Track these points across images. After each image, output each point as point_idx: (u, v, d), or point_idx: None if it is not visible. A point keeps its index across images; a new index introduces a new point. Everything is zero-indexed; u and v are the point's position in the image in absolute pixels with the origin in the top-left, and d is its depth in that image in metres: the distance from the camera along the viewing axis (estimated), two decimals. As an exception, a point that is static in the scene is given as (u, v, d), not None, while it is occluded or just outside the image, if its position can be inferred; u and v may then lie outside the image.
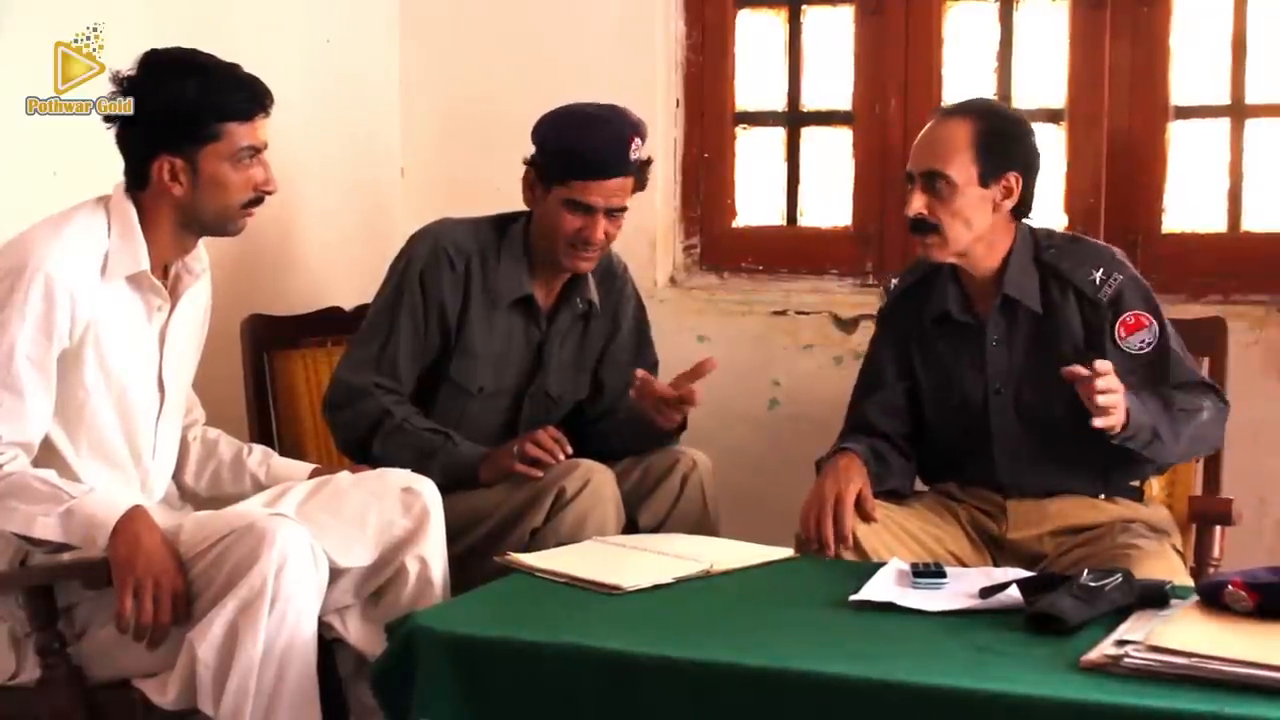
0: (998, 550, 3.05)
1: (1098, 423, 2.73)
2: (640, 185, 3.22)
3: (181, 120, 2.68)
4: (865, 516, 2.92)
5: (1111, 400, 2.72)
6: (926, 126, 3.04)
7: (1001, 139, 2.97)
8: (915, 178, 2.98)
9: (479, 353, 3.22)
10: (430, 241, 3.23)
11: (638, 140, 3.14)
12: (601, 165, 3.11)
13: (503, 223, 3.28)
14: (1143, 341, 2.94)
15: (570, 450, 3.06)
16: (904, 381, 3.15)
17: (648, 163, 3.20)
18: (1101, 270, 2.97)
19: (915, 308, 3.13)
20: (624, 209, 3.18)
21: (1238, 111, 3.64)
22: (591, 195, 3.12)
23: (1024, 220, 3.04)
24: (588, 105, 3.20)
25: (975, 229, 2.96)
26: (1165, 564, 2.82)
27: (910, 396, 3.14)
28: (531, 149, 3.20)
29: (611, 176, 3.12)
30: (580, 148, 3.11)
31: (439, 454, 3.09)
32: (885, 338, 3.20)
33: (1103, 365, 2.71)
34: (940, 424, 3.12)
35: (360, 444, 3.16)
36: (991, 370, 3.03)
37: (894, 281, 3.21)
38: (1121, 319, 2.94)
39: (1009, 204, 2.98)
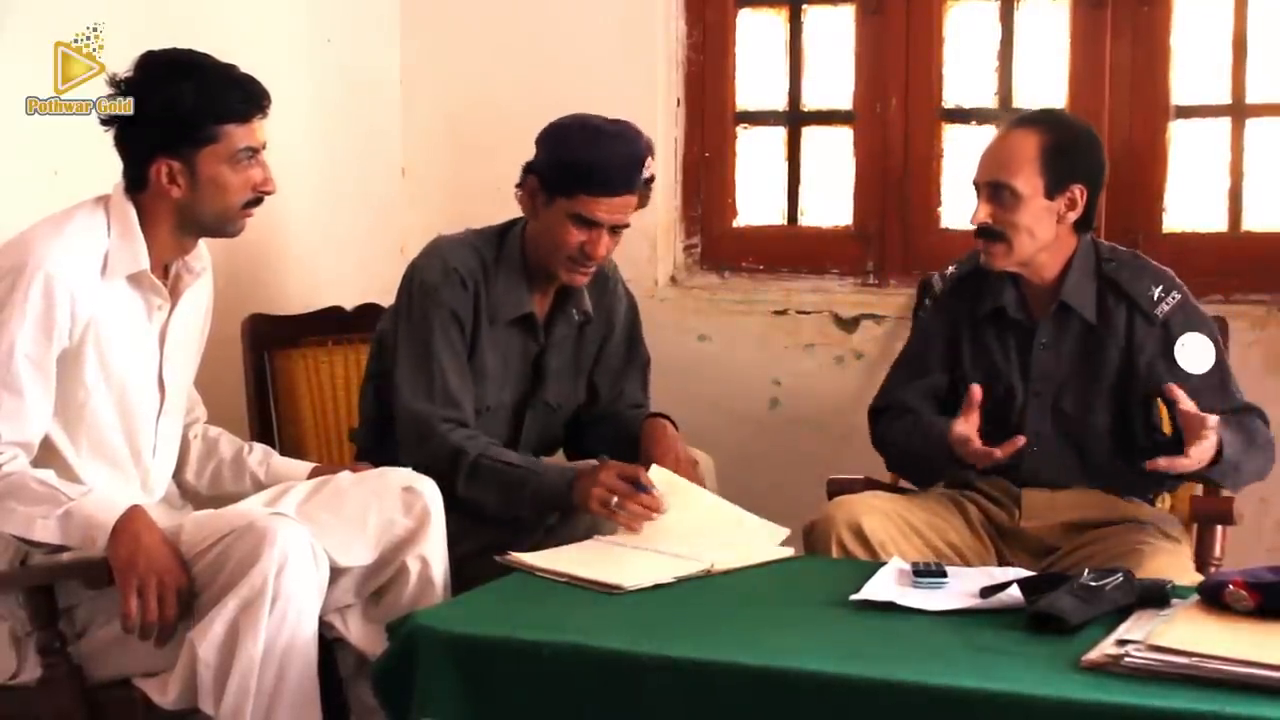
0: (1006, 541, 3.07)
1: (1192, 453, 2.75)
2: (643, 203, 3.17)
3: (179, 123, 2.68)
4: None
5: (1208, 445, 2.76)
6: (994, 136, 3.06)
7: (1068, 152, 2.98)
8: (981, 187, 3.01)
9: (487, 373, 3.19)
10: (439, 261, 3.15)
11: (649, 159, 3.10)
12: (614, 181, 3.05)
13: (498, 237, 3.22)
14: (1201, 364, 2.96)
15: (662, 508, 2.94)
16: (947, 373, 3.16)
17: (651, 180, 3.15)
18: (1160, 287, 2.99)
19: (969, 299, 3.15)
20: (626, 225, 3.14)
21: (1238, 111, 3.64)
22: (599, 211, 3.06)
23: (1088, 233, 3.05)
24: (598, 118, 3.12)
25: (1039, 239, 2.99)
26: (1176, 561, 2.84)
27: (951, 388, 3.15)
28: (533, 153, 3.14)
29: (621, 193, 3.07)
30: (594, 162, 3.04)
31: (527, 486, 3.00)
32: (936, 326, 3.21)
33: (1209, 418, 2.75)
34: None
35: (443, 485, 2.95)
36: (1035, 372, 3.05)
37: (950, 269, 3.24)
38: (1180, 340, 2.96)
39: (1073, 216, 3.00)
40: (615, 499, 2.92)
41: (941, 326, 3.20)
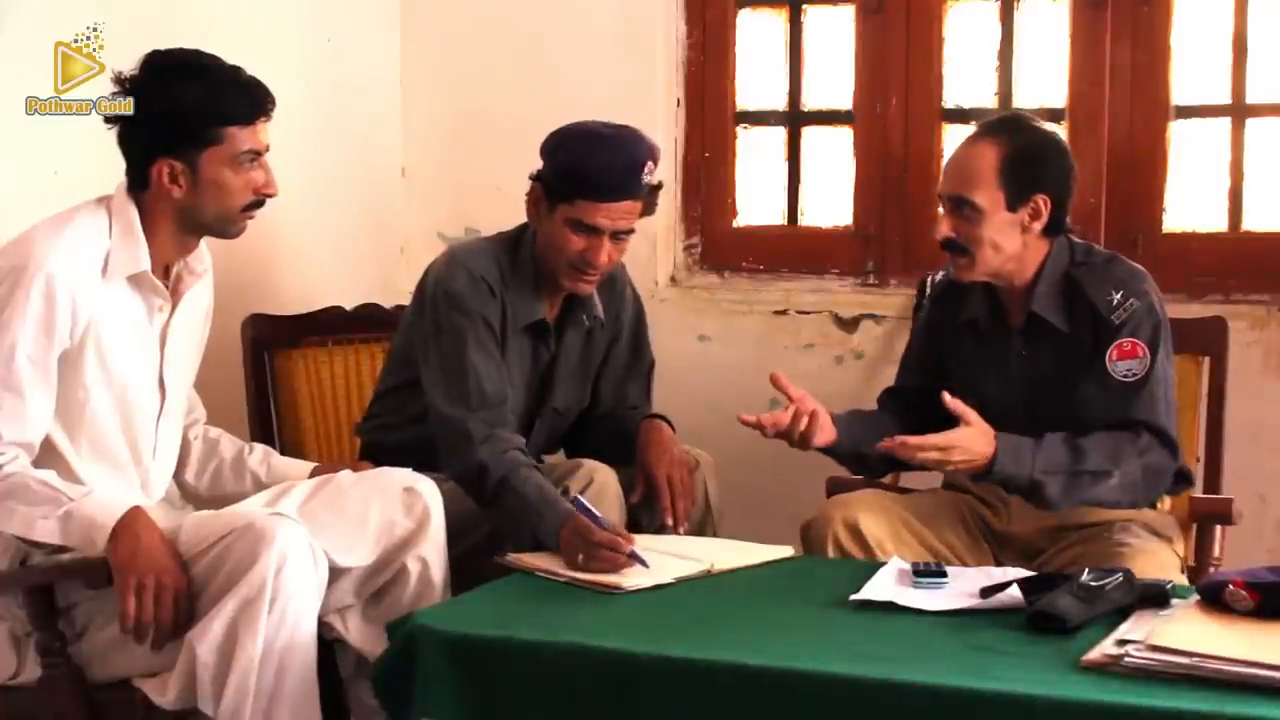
0: (997, 544, 3.07)
1: (911, 442, 2.82)
2: (649, 210, 3.12)
3: (182, 123, 2.68)
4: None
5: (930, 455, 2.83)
6: (958, 146, 3.02)
7: (1028, 163, 2.93)
8: (943, 200, 2.98)
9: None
10: (463, 271, 3.10)
11: (650, 164, 3.05)
12: (610, 186, 3.01)
13: (512, 244, 3.19)
14: (1129, 370, 2.92)
15: (630, 545, 2.80)
16: (924, 377, 3.15)
17: (658, 187, 3.11)
18: (1120, 293, 2.95)
19: (953, 306, 3.14)
20: (630, 232, 3.09)
21: (1238, 111, 3.64)
22: (598, 216, 3.02)
23: (1063, 236, 3.01)
24: (601, 124, 3.09)
25: (1004, 251, 2.95)
26: (1158, 561, 2.82)
27: (923, 393, 3.11)
28: (537, 159, 3.11)
29: (620, 199, 3.02)
30: (590, 166, 3.01)
31: (531, 524, 2.89)
32: (920, 332, 3.27)
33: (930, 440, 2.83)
34: None
35: (475, 498, 3.00)
36: (1013, 378, 3.04)
37: (939, 274, 3.23)
38: (1118, 342, 2.93)
39: (1038, 225, 2.95)
40: (581, 557, 2.78)
41: (921, 336, 3.23)
